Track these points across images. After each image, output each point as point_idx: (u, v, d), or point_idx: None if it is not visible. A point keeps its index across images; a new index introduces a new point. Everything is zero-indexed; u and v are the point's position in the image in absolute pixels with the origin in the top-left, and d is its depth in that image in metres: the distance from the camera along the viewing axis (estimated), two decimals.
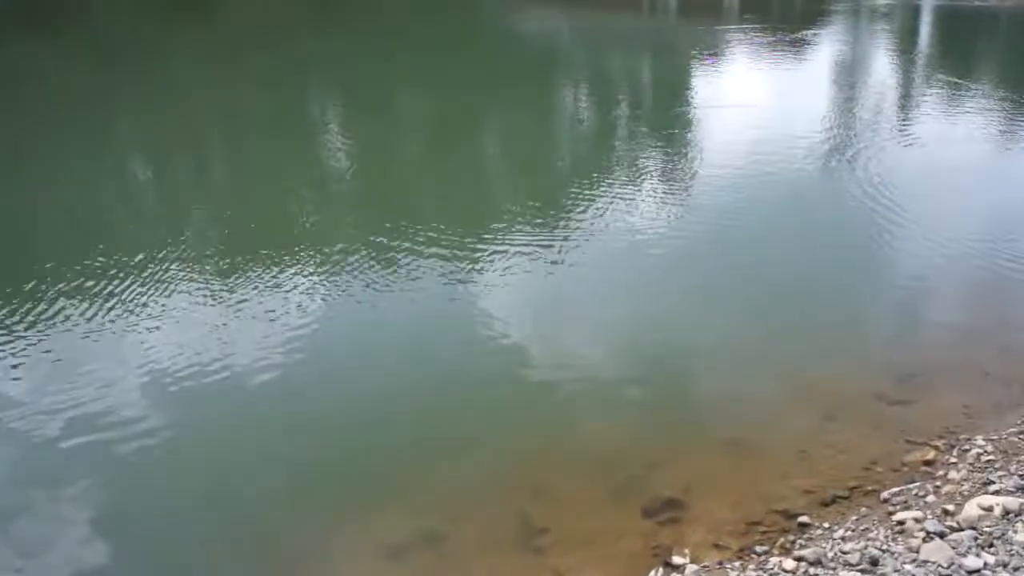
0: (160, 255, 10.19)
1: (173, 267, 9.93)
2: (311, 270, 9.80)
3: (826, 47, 26.51)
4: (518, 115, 18.25)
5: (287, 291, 9.28)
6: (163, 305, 9.06)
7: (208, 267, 10.00)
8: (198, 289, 9.45)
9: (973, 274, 10.21)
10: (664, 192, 12.67)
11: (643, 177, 13.31)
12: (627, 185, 12.87)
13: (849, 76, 22.32)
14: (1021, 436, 6.67)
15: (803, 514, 6.02)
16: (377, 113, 17.52)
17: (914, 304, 9.52)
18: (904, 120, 17.47)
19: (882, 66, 24.20)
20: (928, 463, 6.55)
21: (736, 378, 8.03)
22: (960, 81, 21.14)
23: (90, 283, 9.62)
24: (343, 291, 9.34)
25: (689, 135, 16.17)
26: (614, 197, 12.24)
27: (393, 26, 28.67)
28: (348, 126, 17.27)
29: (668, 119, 17.41)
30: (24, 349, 8.34)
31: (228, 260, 10.17)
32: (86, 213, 12.23)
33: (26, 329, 8.69)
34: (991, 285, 9.89)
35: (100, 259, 10.21)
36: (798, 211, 12.11)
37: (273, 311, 8.83)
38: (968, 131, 16.58)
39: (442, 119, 17.53)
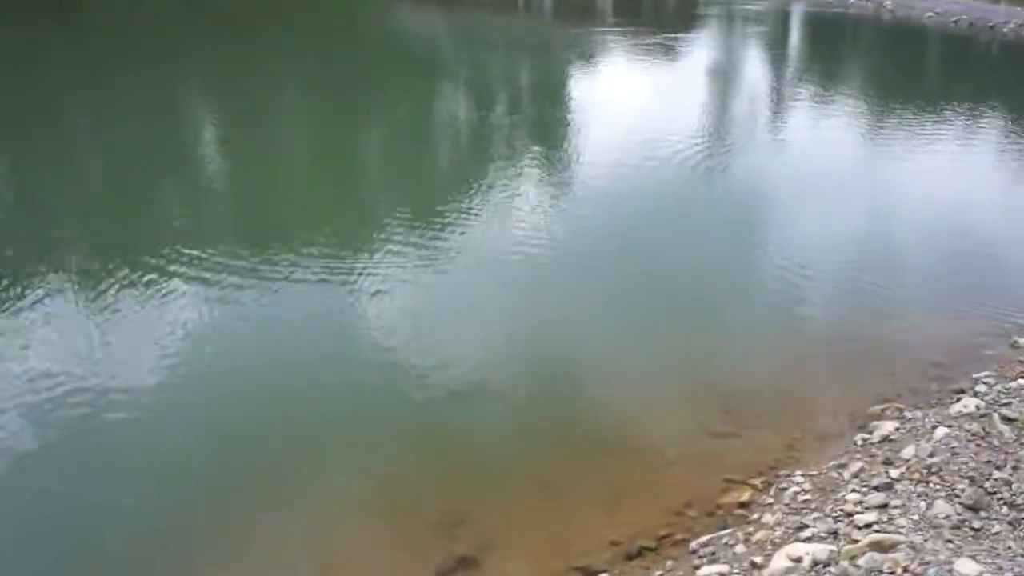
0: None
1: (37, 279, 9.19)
2: (186, 285, 9.12)
3: (698, 50, 26.83)
4: (395, 118, 17.76)
5: (157, 305, 8.69)
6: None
7: (83, 279, 9.30)
8: (69, 305, 8.72)
9: (818, 291, 9.95)
10: (537, 195, 12.41)
11: (520, 181, 13.03)
12: (503, 189, 12.64)
13: (721, 79, 22.49)
14: (840, 470, 6.28)
15: (603, 572, 5.46)
16: (252, 116, 16.77)
17: (751, 325, 9.16)
18: (773, 122, 17.80)
19: (753, 69, 24.61)
20: (743, 505, 6.12)
21: (559, 409, 7.48)
22: (827, 83, 21.56)
23: None
24: (217, 306, 8.77)
25: (564, 139, 15.89)
26: (490, 202, 12.00)
27: (269, 28, 27.55)
28: (223, 132, 16.39)
29: (544, 122, 17.25)
30: None
31: (102, 270, 9.44)
32: None
33: None
34: (835, 304, 9.64)
35: None
36: (661, 217, 11.91)
37: (140, 325, 8.32)
38: (835, 133, 16.85)
39: (319, 122, 17.10)
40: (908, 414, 7.10)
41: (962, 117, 18.67)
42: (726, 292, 9.90)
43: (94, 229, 11.02)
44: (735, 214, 12.08)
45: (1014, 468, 5.86)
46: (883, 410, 7.25)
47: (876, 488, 5.90)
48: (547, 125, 16.90)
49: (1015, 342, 8.39)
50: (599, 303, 9.40)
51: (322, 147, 15.30)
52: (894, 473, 6.07)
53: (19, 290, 8.93)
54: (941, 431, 6.55)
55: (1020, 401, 6.87)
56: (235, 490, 6.37)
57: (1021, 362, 7.90)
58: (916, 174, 14.82)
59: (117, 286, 9.02)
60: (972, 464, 6.00)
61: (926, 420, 6.88)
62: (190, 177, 13.37)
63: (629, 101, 18.57)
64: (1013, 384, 7.28)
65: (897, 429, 6.81)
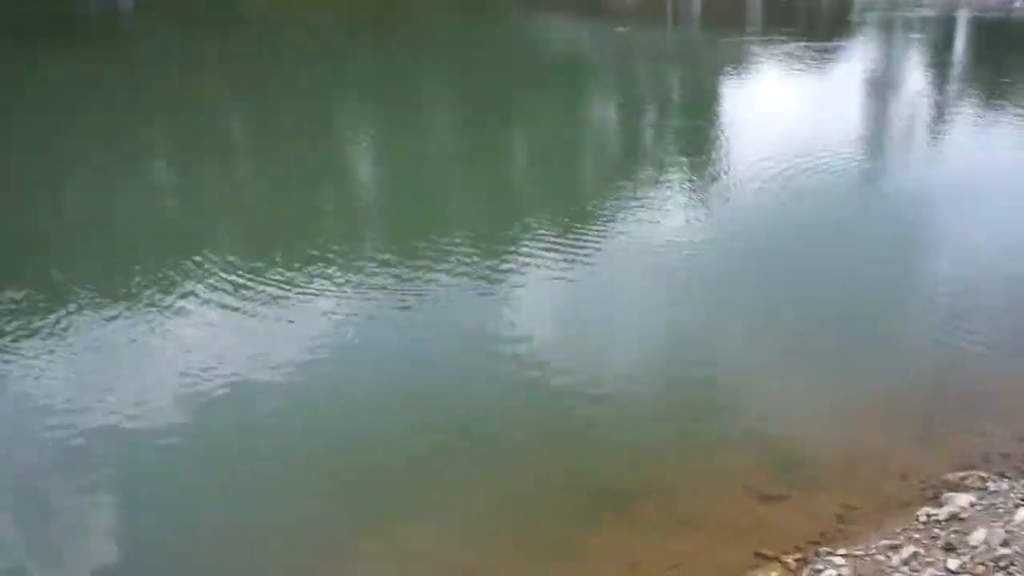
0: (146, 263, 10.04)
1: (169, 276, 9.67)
2: (323, 282, 9.46)
3: (855, 59, 25.15)
4: (544, 127, 17.52)
5: (294, 305, 8.97)
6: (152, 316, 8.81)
7: (210, 278, 9.60)
8: (198, 305, 9.04)
9: (933, 326, 8.90)
10: (691, 207, 12.03)
11: (671, 190, 12.73)
12: (654, 198, 12.33)
13: (878, 88, 20.92)
14: (891, 552, 5.38)
15: None
16: (400, 121, 17.23)
17: (849, 359, 8.22)
18: (936, 136, 16.52)
19: (914, 79, 22.70)
20: None
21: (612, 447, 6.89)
22: (995, 95, 19.73)
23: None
24: (357, 306, 8.97)
25: (715, 151, 15.10)
26: (641, 210, 11.77)
27: (419, 33, 27.98)
28: (372, 134, 17.11)
29: (695, 133, 16.61)
30: None
31: (234, 269, 9.81)
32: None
33: None
34: (947, 343, 8.55)
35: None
36: (816, 233, 11.17)
37: (278, 326, 8.57)
38: (1001, 147, 15.36)
39: (466, 129, 17.20)
40: (992, 485, 6.07)
41: None
42: (834, 320, 9.02)
43: (246, 226, 11.73)
44: (879, 237, 11.08)
45: None
46: (963, 479, 6.23)
47: None
48: (698, 137, 16.22)
49: None
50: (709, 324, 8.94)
51: (473, 160, 15.18)
52: (953, 564, 5.14)
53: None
54: (1022, 514, 5.51)
55: None
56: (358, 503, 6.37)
57: None
58: None
59: (260, 292, 9.27)
60: None
61: (1011, 495, 5.83)
62: (339, 182, 13.96)
63: (782, 113, 17.59)
64: None
65: (973, 505, 5.81)
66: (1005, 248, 10.62)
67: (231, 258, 10.17)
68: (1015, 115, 17.28)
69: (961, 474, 6.25)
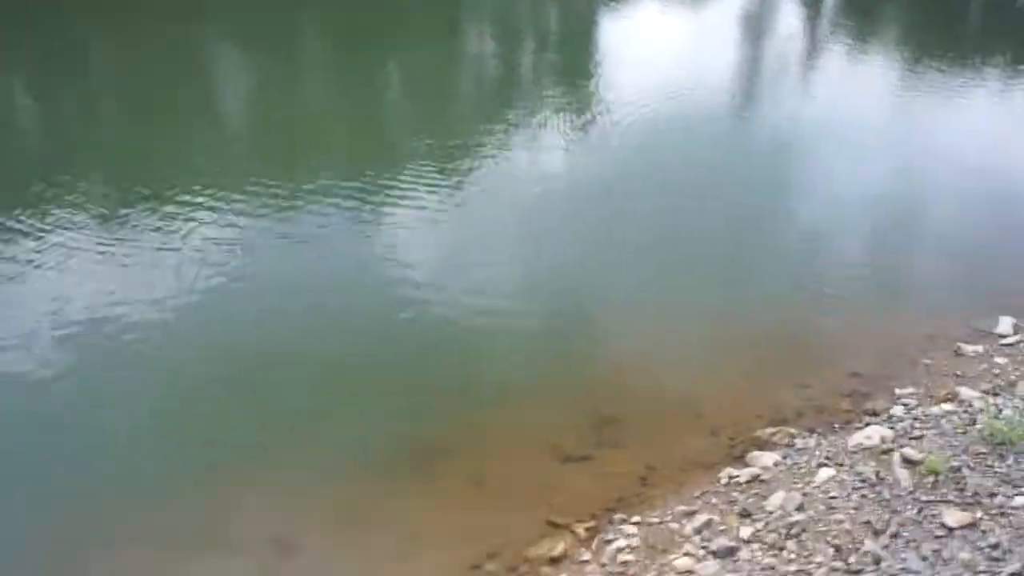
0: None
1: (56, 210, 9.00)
2: (206, 215, 8.96)
3: (719, 5, 24.77)
4: (415, 57, 16.45)
5: (183, 241, 8.47)
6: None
7: (99, 209, 9.14)
8: (87, 236, 8.52)
9: (769, 271, 8.69)
10: (565, 137, 11.80)
11: (544, 126, 12.18)
12: (527, 135, 11.87)
13: (752, 28, 20.74)
14: (685, 519, 4.98)
15: None
16: (271, 54, 16.10)
17: (682, 303, 7.92)
18: (808, 74, 16.54)
19: (786, 19, 22.57)
20: (555, 560, 4.85)
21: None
22: (865, 37, 19.84)
23: None
24: (241, 238, 8.57)
25: (591, 86, 14.58)
26: (513, 147, 11.44)
27: None
28: (244, 67, 16.16)
29: (569, 66, 16.33)
30: None
31: (119, 203, 9.29)
32: None
33: None
34: (782, 289, 8.33)
35: None
36: (678, 176, 10.69)
37: (169, 261, 8.09)
38: (868, 90, 15.13)
39: (338, 63, 16.43)
40: (799, 442, 5.76)
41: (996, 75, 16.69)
42: (683, 266, 8.63)
43: (108, 164, 10.83)
44: (741, 180, 10.71)
45: (893, 536, 4.51)
46: (773, 435, 5.90)
47: (715, 553, 4.61)
48: (572, 70, 15.92)
49: (959, 348, 6.91)
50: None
51: (347, 95, 14.32)
52: (746, 532, 4.78)
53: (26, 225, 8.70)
54: (825, 473, 5.21)
55: (935, 434, 5.47)
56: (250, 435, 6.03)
57: (957, 376, 6.44)
58: (934, 133, 13.12)
59: (129, 219, 8.88)
60: (847, 526, 4.67)
61: (816, 452, 5.52)
62: (209, 117, 12.98)
63: (659, 48, 17.34)
64: (935, 408, 5.89)
65: (776, 464, 5.48)
66: (867, 193, 10.49)
67: (103, 190, 9.73)
68: (881, 59, 17.38)
69: (771, 430, 5.94)
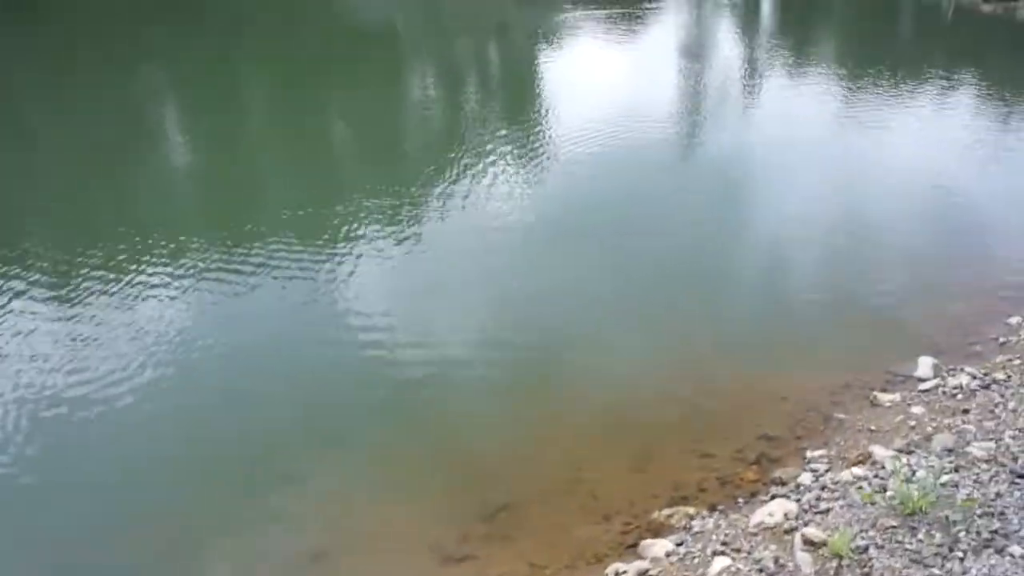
0: None
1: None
2: (163, 273, 8.90)
3: (667, 25, 24.82)
4: (362, 101, 16.38)
5: (136, 298, 8.41)
6: None
7: (54, 269, 9.12)
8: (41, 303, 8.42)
9: (720, 296, 8.50)
10: (515, 174, 11.68)
11: (495, 159, 12.18)
12: (478, 170, 11.75)
13: (692, 52, 20.95)
14: None
15: None
16: (211, 103, 15.99)
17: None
18: (750, 97, 16.39)
19: (725, 43, 22.72)
20: None
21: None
22: (802, 58, 19.90)
23: None
24: (198, 293, 8.51)
25: (537, 120, 14.65)
26: (466, 182, 11.32)
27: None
28: (182, 114, 16.03)
29: (516, 103, 16.43)
30: None
31: (75, 261, 9.20)
32: None
33: None
34: (733, 316, 8.08)
35: None
36: (632, 196, 10.87)
37: (114, 320, 8.01)
38: (808, 109, 15.17)
39: (283, 110, 15.95)
40: (697, 523, 5.19)
41: (934, 85, 16.72)
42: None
43: (62, 221, 10.71)
44: (690, 195, 10.98)
45: None
46: (669, 516, 5.31)
47: None
48: (519, 106, 15.96)
49: (875, 398, 6.42)
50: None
51: (290, 135, 14.25)
52: None
53: None
54: (720, 563, 4.63)
55: (843, 505, 4.92)
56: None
57: (871, 432, 5.93)
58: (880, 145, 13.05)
59: (91, 278, 8.82)
60: None
61: (713, 537, 4.94)
62: (159, 166, 12.92)
63: (600, 79, 17.21)
64: (845, 474, 5.34)
65: (669, 554, 4.88)
66: (791, 225, 10.17)
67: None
68: (820, 78, 17.28)
69: (668, 511, 5.35)
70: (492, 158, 12.16)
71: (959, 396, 6.16)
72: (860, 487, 5.13)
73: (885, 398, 6.36)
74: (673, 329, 7.74)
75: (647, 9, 26.30)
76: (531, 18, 25.07)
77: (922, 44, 23.12)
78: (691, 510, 5.34)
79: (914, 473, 5.16)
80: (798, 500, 5.18)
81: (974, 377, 6.44)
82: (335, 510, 5.78)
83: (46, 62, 18.93)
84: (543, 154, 12.44)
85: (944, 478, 4.98)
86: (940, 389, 6.33)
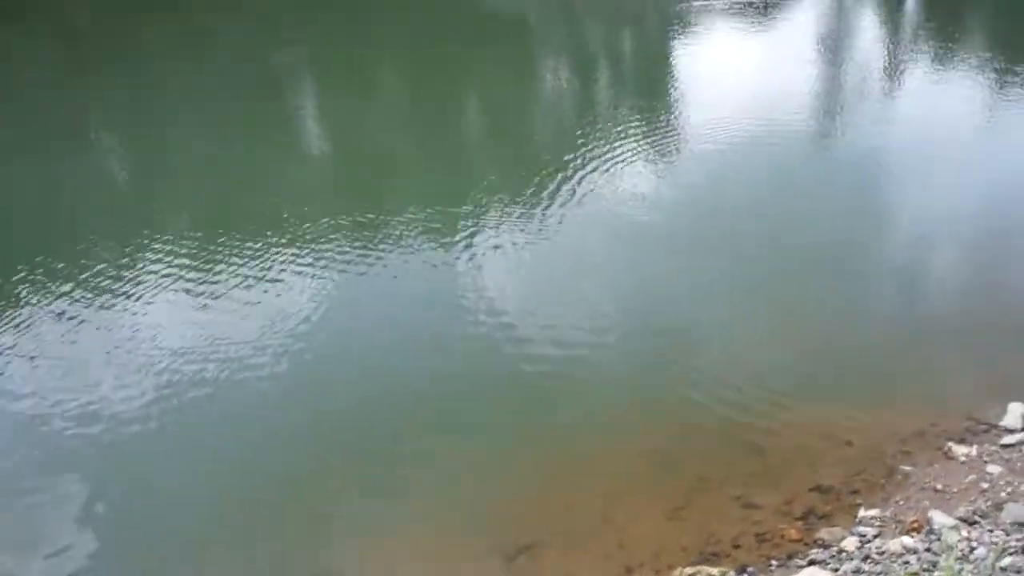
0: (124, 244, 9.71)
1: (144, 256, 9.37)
2: (291, 258, 9.07)
3: (803, 16, 23.64)
4: (493, 87, 16.41)
5: (267, 280, 8.66)
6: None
7: (188, 254, 9.38)
8: (179, 279, 8.83)
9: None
10: (649, 165, 11.41)
11: (628, 150, 11.80)
12: (612, 158, 11.45)
13: (832, 45, 19.64)
14: None
15: None
16: (345, 87, 16.33)
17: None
18: (891, 92, 15.40)
19: (865, 35, 21.24)
20: None
21: None
22: (950, 50, 18.22)
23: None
24: (327, 278, 8.65)
25: (672, 110, 14.24)
26: (598, 169, 11.04)
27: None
28: (316, 102, 16.21)
29: (648, 91, 16.01)
30: None
31: (207, 247, 9.50)
32: None
33: None
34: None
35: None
36: (774, 191, 10.46)
37: (254, 301, 8.28)
38: (958, 103, 14.02)
39: (414, 91, 16.15)
40: None
41: None
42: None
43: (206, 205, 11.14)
44: (805, 202, 10.15)
45: None
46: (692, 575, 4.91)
47: None
48: (652, 98, 15.30)
49: (949, 450, 5.79)
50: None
51: (417, 126, 14.22)
52: None
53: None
54: None
55: None
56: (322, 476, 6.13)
57: (935, 492, 5.34)
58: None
59: (233, 269, 8.97)
60: None
61: None
62: (289, 156, 12.92)
63: (735, 71, 16.44)
64: (894, 543, 4.81)
65: None
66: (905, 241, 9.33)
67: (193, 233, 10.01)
68: (966, 75, 15.89)
69: (690, 571, 4.95)
70: (622, 152, 11.72)
71: None
72: (907, 562, 4.59)
73: (960, 451, 5.72)
74: (740, 353, 7.21)
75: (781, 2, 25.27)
76: (667, 6, 24.36)
77: None
78: (716, 572, 4.92)
79: (972, 550, 4.57)
80: (836, 570, 4.69)
81: None
82: (350, 542, 5.64)
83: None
84: (674, 149, 12.03)
85: (1006, 560, 4.39)
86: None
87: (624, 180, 10.73)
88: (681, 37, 20.23)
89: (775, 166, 11.19)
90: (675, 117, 13.71)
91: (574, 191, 10.42)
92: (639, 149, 11.81)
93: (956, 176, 10.75)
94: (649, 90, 16.18)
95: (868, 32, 21.54)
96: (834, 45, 19.70)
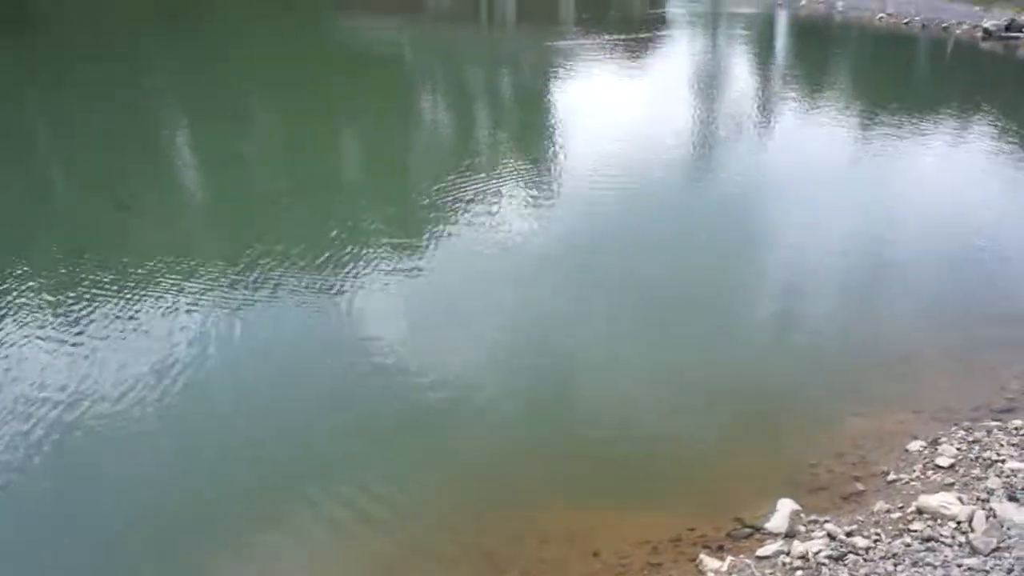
0: None
1: None
2: (166, 298, 8.40)
3: (671, 54, 24.44)
4: (366, 132, 15.88)
5: (130, 317, 8.00)
6: None
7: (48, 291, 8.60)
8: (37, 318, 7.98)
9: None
10: (527, 202, 11.30)
11: (502, 189, 11.74)
12: (490, 201, 11.26)
13: (704, 84, 20.35)
14: None
15: None
16: (223, 124, 15.47)
17: None
18: (760, 130, 15.94)
19: (737, 75, 21.94)
20: None
21: None
22: (817, 90, 19.51)
23: None
24: (204, 318, 8.03)
25: (547, 151, 14.32)
26: (480, 213, 10.81)
27: (224, 35, 25.48)
28: (196, 139, 15.27)
29: (525, 134, 15.80)
30: None
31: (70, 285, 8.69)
32: None
33: None
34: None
35: None
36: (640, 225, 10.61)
37: (118, 340, 7.62)
38: (823, 140, 15.00)
39: (287, 148, 15.10)
40: None
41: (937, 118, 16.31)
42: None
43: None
44: (677, 236, 10.36)
45: None
46: None
47: None
48: (528, 138, 15.39)
49: (700, 564, 4.99)
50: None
51: (296, 173, 13.25)
52: None
53: None
54: None
55: None
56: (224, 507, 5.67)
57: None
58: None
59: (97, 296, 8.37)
60: None
61: None
62: (159, 194, 12.07)
63: (608, 110, 16.88)
64: None
65: None
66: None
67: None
68: (834, 110, 16.81)
69: None
70: (496, 190, 11.66)
71: (799, 573, 4.71)
72: None
73: (712, 565, 4.95)
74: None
75: (658, 35, 25.74)
76: (536, 46, 24.35)
77: (928, 78, 22.58)
78: None
79: None
80: None
81: (831, 538, 5.00)
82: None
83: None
84: (545, 186, 12.09)
85: None
86: (781, 558, 4.90)
87: (496, 219, 10.55)
88: (554, 76, 20.38)
89: (643, 203, 11.32)
90: (548, 155, 13.87)
91: (446, 229, 10.24)
92: (513, 188, 11.73)
93: (815, 216, 11.03)
94: (522, 128, 16.29)
95: (739, 72, 22.30)
96: (706, 84, 20.28)
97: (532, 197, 11.46)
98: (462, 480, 5.98)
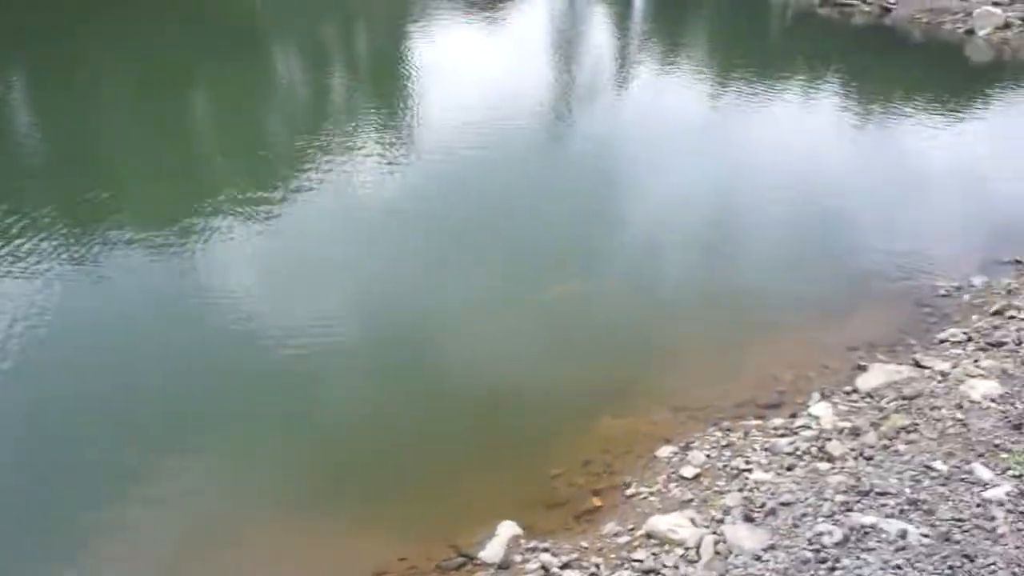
0: None
1: None
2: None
3: (535, 14, 23.20)
4: (226, 89, 14.99)
5: None
6: None
7: None
8: None
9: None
10: (381, 163, 10.98)
11: (361, 147, 11.46)
12: (346, 159, 10.98)
13: (562, 43, 19.87)
14: None
15: None
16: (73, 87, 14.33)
17: None
18: (618, 89, 15.83)
19: (595, 34, 21.50)
20: None
21: None
22: (674, 49, 19.22)
23: None
24: (51, 281, 7.68)
25: (405, 109, 13.92)
26: (335, 171, 10.54)
27: None
28: (40, 104, 14.26)
29: (383, 92, 15.32)
30: None
31: None
32: None
33: None
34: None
35: None
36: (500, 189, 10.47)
37: None
38: (680, 99, 14.85)
39: (145, 98, 14.18)
40: None
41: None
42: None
43: None
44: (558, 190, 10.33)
45: None
46: None
47: None
48: (386, 96, 14.97)
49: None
50: None
51: (152, 123, 12.85)
52: None
53: None
54: None
55: None
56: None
57: None
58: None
59: None
60: None
61: None
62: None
63: (466, 71, 16.21)
64: None
65: None
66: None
67: None
68: (688, 72, 16.55)
69: None
70: (353, 152, 11.32)
71: None
72: None
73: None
74: None
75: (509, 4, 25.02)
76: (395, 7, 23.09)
77: (769, 42, 22.39)
78: None
79: None
80: None
81: (545, 571, 4.42)
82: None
83: None
84: (404, 146, 11.77)
85: None
86: None
87: (354, 180, 10.37)
88: (411, 34, 19.62)
89: (503, 162, 11.17)
90: (405, 115, 13.51)
91: (305, 190, 10.00)
92: (371, 149, 11.42)
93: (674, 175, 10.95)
94: (379, 87, 15.89)
95: (597, 31, 21.94)
96: (564, 43, 19.89)
97: (387, 157, 11.22)
98: None
